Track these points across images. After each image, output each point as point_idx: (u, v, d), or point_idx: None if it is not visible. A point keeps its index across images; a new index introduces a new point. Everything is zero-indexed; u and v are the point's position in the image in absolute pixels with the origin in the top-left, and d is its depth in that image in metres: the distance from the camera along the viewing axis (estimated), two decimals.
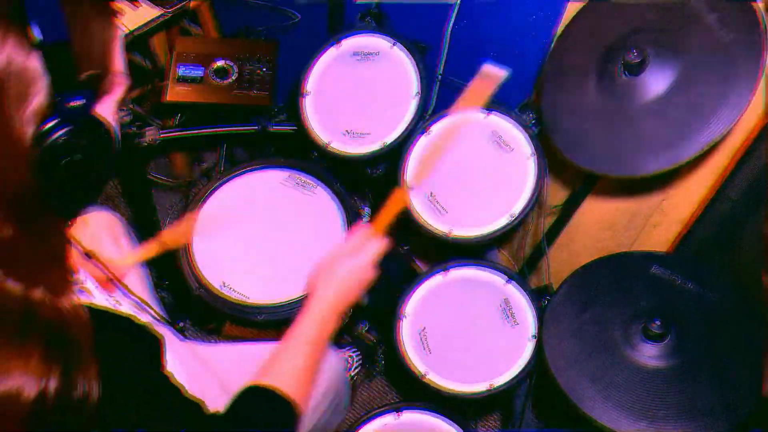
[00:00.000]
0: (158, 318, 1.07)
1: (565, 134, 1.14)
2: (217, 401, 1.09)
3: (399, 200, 1.01)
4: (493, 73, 1.00)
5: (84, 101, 0.60)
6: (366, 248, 0.96)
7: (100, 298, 0.80)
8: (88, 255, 0.88)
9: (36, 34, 0.55)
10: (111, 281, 0.95)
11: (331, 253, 0.97)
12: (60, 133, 0.58)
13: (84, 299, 0.71)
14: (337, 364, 1.27)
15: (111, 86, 0.65)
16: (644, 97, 1.02)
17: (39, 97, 0.57)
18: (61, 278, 0.65)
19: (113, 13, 0.66)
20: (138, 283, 1.22)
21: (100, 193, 0.68)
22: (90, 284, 0.81)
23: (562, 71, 1.17)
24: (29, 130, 0.57)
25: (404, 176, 1.30)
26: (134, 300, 0.99)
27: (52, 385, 0.59)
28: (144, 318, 0.94)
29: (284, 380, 0.84)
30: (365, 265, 0.96)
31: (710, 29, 0.97)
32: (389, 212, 1.01)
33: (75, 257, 0.86)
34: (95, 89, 0.62)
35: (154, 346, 0.75)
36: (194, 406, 0.76)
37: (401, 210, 1.02)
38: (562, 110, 1.15)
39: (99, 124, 0.63)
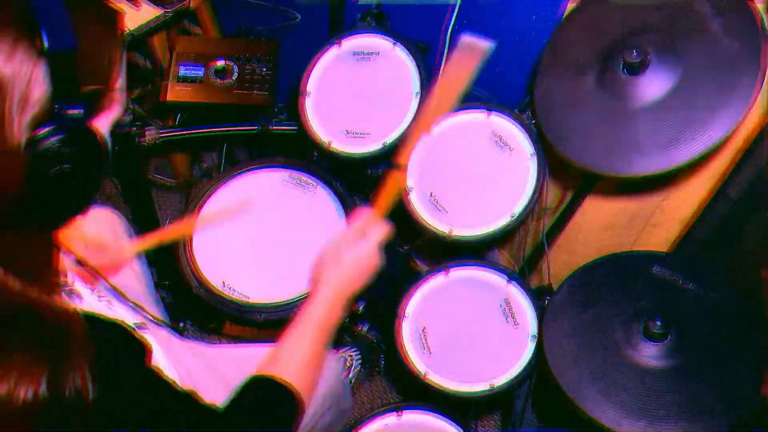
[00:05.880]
0: (154, 320, 1.07)
1: (555, 125, 1.13)
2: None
3: (396, 182, 1.00)
4: (475, 45, 0.95)
5: (83, 112, 0.59)
6: (369, 233, 0.95)
7: (91, 301, 0.80)
8: (79, 261, 0.87)
9: (45, 42, 0.55)
10: (102, 284, 0.94)
11: (334, 240, 0.96)
12: (53, 139, 0.57)
13: (74, 303, 0.71)
14: (335, 366, 1.26)
15: (110, 103, 0.65)
16: (642, 97, 1.02)
17: (39, 104, 0.57)
18: (52, 282, 0.65)
19: (119, 27, 0.66)
20: (135, 284, 1.22)
21: (87, 204, 0.67)
22: (80, 287, 0.81)
23: (558, 63, 1.17)
24: (25, 136, 0.56)
25: (405, 179, 1.30)
26: (127, 303, 0.99)
27: (45, 386, 0.58)
28: (136, 320, 0.94)
29: (289, 369, 0.84)
30: (370, 250, 0.95)
31: (714, 35, 0.97)
32: (388, 195, 0.99)
33: (64, 261, 0.85)
34: (95, 103, 0.63)
35: (140, 350, 0.75)
36: (189, 399, 0.75)
37: (399, 192, 1.01)
38: (555, 101, 1.14)
39: (93, 136, 0.62)
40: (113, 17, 0.66)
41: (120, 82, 0.67)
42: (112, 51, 0.64)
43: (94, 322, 0.68)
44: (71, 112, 0.58)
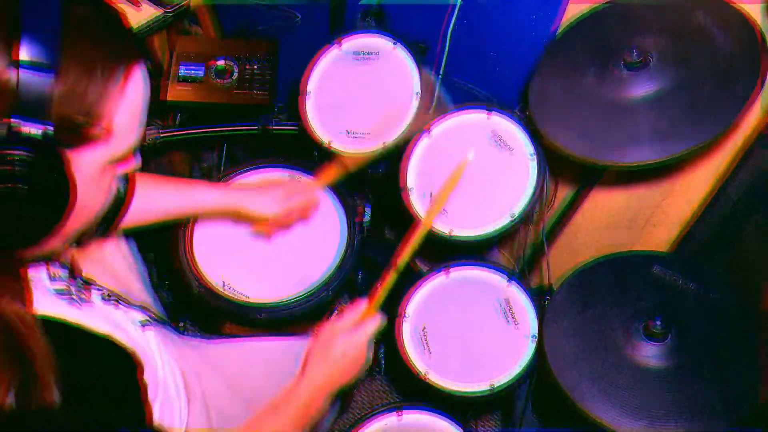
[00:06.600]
0: (155, 317, 1.07)
1: (550, 115, 1.13)
2: (222, 400, 1.09)
3: (391, 281, 1.05)
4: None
5: (46, 133, 0.53)
6: (363, 326, 0.96)
7: (100, 308, 0.79)
8: (84, 279, 0.83)
9: (23, 52, 0.51)
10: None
11: (327, 329, 0.97)
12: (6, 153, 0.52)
13: (74, 309, 0.71)
14: None
15: (97, 138, 0.58)
16: (641, 93, 1.02)
17: None
18: (14, 296, 0.62)
19: (123, 71, 0.58)
20: (131, 279, 1.21)
21: (39, 237, 0.59)
22: (91, 294, 0.80)
23: (559, 57, 1.17)
24: None
25: (405, 179, 1.30)
26: (132, 306, 0.99)
27: (14, 396, 0.57)
28: (141, 318, 0.93)
29: None
30: (360, 344, 0.95)
31: (716, 43, 0.98)
32: (384, 291, 1.02)
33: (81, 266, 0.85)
34: (70, 130, 0.56)
35: (126, 367, 0.73)
36: None
37: (393, 287, 1.05)
38: (552, 96, 1.14)
39: (57, 165, 0.56)
40: (121, 45, 0.59)
41: (122, 122, 0.59)
42: (101, 85, 0.57)
43: (79, 333, 0.67)
44: (28, 129, 0.52)
